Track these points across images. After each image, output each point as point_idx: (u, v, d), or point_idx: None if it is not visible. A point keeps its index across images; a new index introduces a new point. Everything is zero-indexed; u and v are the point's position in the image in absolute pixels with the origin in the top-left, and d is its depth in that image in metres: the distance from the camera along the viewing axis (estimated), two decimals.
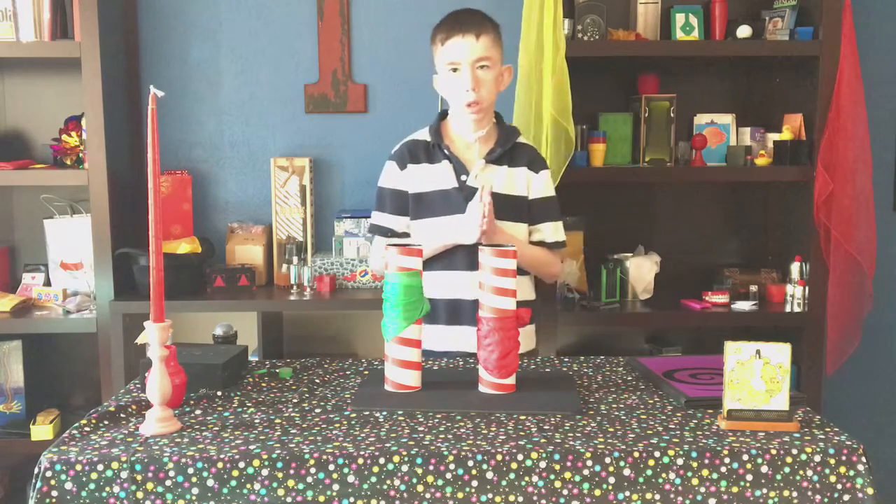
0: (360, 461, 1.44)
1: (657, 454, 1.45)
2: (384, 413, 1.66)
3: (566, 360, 2.07)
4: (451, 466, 1.44)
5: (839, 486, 1.46)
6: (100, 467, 1.42)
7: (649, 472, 1.45)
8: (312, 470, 1.43)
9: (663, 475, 1.45)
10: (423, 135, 2.24)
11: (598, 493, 1.44)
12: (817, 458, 1.47)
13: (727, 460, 1.46)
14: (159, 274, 1.57)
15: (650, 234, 3.08)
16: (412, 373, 1.78)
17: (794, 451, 1.47)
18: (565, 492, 1.44)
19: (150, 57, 2.98)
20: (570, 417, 1.63)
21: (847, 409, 3.11)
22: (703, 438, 1.51)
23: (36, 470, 1.44)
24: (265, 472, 1.43)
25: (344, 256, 2.87)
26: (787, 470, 1.46)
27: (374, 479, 1.43)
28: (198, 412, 1.68)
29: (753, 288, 2.85)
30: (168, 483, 1.42)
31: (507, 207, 2.17)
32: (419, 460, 1.44)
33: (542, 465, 1.44)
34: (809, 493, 1.46)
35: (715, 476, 1.45)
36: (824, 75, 2.70)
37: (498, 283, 1.74)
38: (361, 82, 3.01)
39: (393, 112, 3.00)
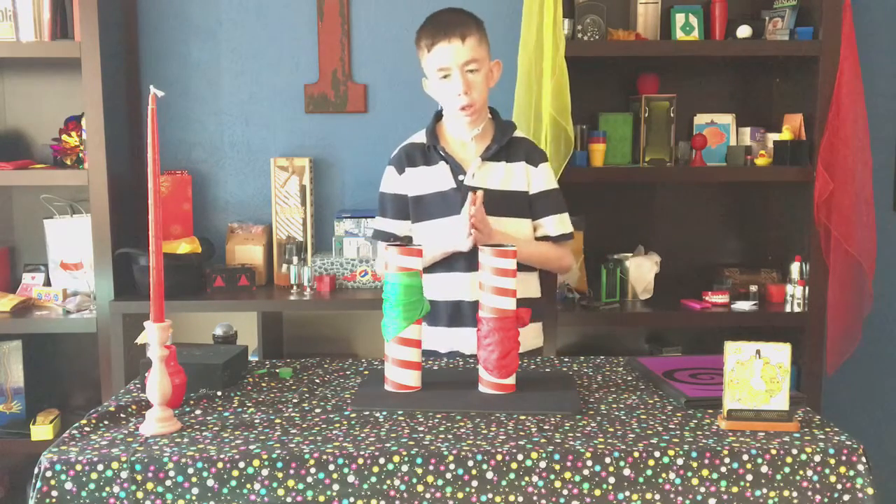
0: (360, 461, 1.44)
1: (657, 454, 1.45)
2: (384, 413, 1.66)
3: (566, 360, 2.07)
4: (451, 466, 1.44)
5: (839, 486, 1.46)
6: (100, 467, 1.42)
7: (649, 472, 1.45)
8: (312, 470, 1.43)
9: (663, 475, 1.45)
10: (420, 137, 2.23)
11: (598, 493, 1.44)
12: (817, 458, 1.47)
13: (727, 460, 1.46)
14: (159, 274, 1.57)
15: (650, 234, 3.08)
16: (412, 373, 1.78)
17: (794, 451, 1.47)
18: (565, 492, 1.44)
19: (150, 57, 2.98)
20: (570, 417, 1.63)
21: (847, 409, 3.11)
22: (703, 438, 1.51)
23: (36, 470, 1.44)
24: (265, 472, 1.43)
25: (344, 256, 2.87)
26: (787, 470, 1.46)
27: (374, 479, 1.43)
28: (198, 412, 1.68)
29: (753, 288, 2.85)
30: (168, 483, 1.42)
31: (508, 204, 2.16)
32: (419, 460, 1.44)
33: (542, 465, 1.44)
34: (809, 493, 1.46)
35: (715, 476, 1.45)
36: (824, 75, 2.70)
37: (498, 283, 1.74)
38: (361, 82, 3.01)
39: (393, 112, 3.00)
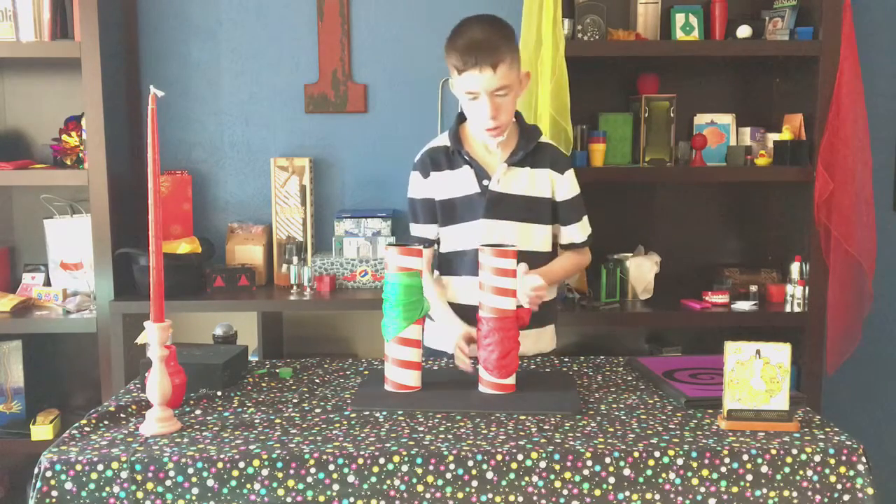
0: (360, 461, 1.44)
1: (657, 454, 1.45)
2: (384, 413, 1.66)
3: (566, 360, 2.07)
4: (451, 466, 1.44)
5: (839, 486, 1.46)
6: (100, 467, 1.42)
7: (649, 472, 1.45)
8: (312, 470, 1.43)
9: (663, 475, 1.45)
10: (443, 140, 2.18)
11: (598, 493, 1.44)
12: (817, 458, 1.47)
13: (727, 460, 1.46)
14: (159, 274, 1.57)
15: (650, 234, 3.08)
16: (412, 373, 1.78)
17: (794, 451, 1.47)
18: (565, 492, 1.44)
19: (150, 57, 2.98)
20: (570, 417, 1.63)
21: (847, 409, 3.11)
22: (703, 438, 1.51)
23: (36, 470, 1.44)
24: (265, 472, 1.43)
25: (344, 256, 2.87)
26: (787, 470, 1.46)
27: (374, 479, 1.43)
28: (198, 412, 1.68)
29: (753, 288, 2.85)
30: (168, 483, 1.42)
31: (530, 209, 2.14)
32: (419, 460, 1.44)
33: (542, 465, 1.44)
34: (809, 493, 1.46)
35: (715, 476, 1.45)
36: (824, 75, 2.70)
37: (498, 283, 1.74)
38: (361, 82, 3.01)
39: (393, 112, 3.00)
